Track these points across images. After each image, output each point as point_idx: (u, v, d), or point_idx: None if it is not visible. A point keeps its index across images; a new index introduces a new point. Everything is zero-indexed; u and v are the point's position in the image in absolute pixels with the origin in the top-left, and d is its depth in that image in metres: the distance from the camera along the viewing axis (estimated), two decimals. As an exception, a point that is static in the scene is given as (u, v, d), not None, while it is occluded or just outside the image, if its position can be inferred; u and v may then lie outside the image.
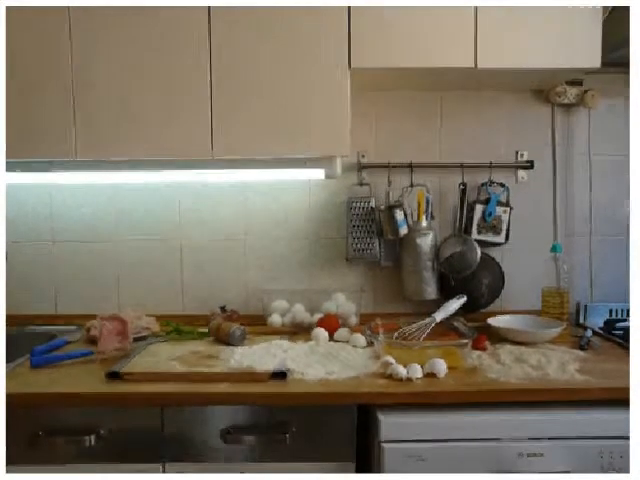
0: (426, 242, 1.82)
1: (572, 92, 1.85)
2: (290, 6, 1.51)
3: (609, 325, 1.78)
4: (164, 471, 1.32)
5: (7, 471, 1.15)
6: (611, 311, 1.90)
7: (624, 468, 1.25)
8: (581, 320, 1.90)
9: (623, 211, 1.93)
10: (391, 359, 1.38)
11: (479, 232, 1.89)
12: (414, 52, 1.54)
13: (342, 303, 1.83)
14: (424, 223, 1.84)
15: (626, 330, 1.66)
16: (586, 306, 1.91)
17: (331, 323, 1.72)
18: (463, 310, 1.73)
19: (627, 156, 1.90)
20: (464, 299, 1.73)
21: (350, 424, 1.32)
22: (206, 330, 1.70)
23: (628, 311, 1.88)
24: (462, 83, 1.81)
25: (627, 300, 1.87)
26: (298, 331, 1.77)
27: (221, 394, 1.29)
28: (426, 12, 1.53)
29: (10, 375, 1.39)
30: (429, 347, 1.45)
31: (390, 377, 1.34)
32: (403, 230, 1.79)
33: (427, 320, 1.62)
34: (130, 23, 1.52)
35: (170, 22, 1.52)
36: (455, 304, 1.70)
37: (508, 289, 1.92)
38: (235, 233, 1.95)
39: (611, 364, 1.44)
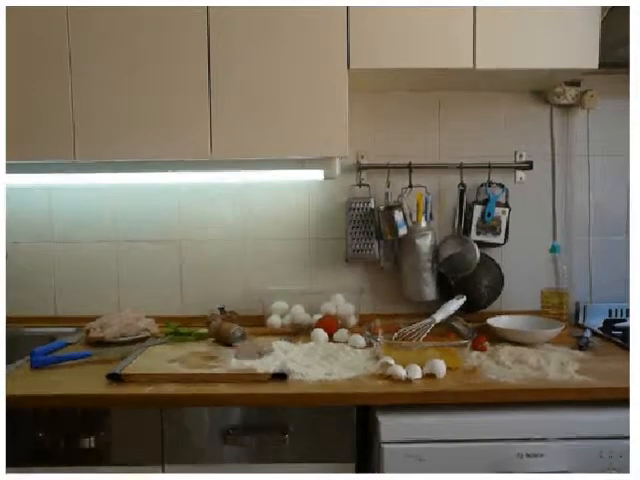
0: (425, 243, 1.83)
1: (571, 92, 1.86)
2: (289, 6, 1.52)
3: (608, 325, 1.78)
4: (164, 472, 1.32)
5: (7, 472, 1.15)
6: (610, 311, 1.90)
7: (624, 468, 1.25)
8: (580, 320, 1.90)
9: (622, 211, 1.93)
10: (390, 360, 1.38)
11: (478, 233, 1.89)
12: (413, 53, 1.54)
13: (341, 304, 1.83)
14: (423, 224, 1.84)
15: (625, 330, 1.66)
16: (585, 306, 1.91)
17: (330, 324, 1.72)
18: (462, 311, 1.73)
19: (626, 156, 1.90)
20: (463, 299, 1.73)
21: (350, 425, 1.31)
22: (205, 331, 1.70)
23: (627, 311, 1.89)
24: (461, 84, 1.81)
25: (626, 300, 1.88)
26: (297, 332, 1.77)
27: (221, 395, 1.28)
28: (424, 13, 1.53)
29: (10, 376, 1.39)
30: (428, 348, 1.45)
31: (389, 378, 1.34)
32: (402, 231, 1.80)
33: (426, 321, 1.63)
34: (128, 24, 1.53)
35: (168, 22, 1.52)
36: (454, 305, 1.70)
37: (507, 289, 1.92)
38: (234, 234, 1.95)
39: (610, 364, 1.44)
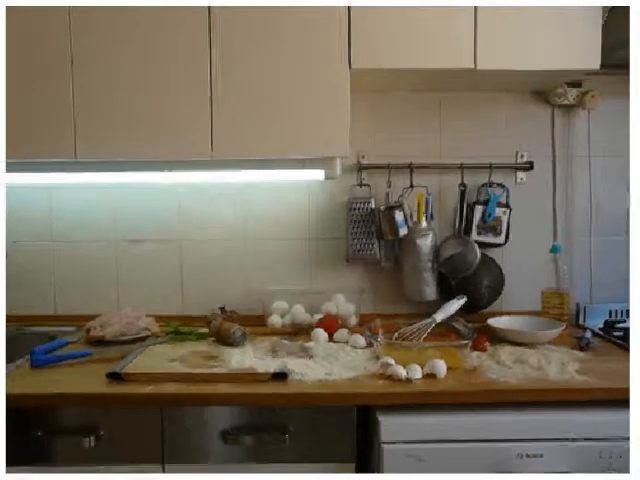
0: (426, 243, 1.82)
1: (572, 93, 1.86)
2: (290, 6, 1.52)
3: (609, 326, 1.78)
4: (164, 472, 1.32)
5: (7, 472, 1.15)
6: (611, 312, 1.90)
7: (624, 468, 1.25)
8: (581, 321, 1.90)
9: (622, 211, 1.93)
10: (391, 360, 1.38)
11: (479, 233, 1.89)
12: (414, 53, 1.54)
13: (342, 304, 1.83)
14: (424, 224, 1.84)
15: (626, 331, 1.66)
16: (585, 307, 1.91)
17: (331, 324, 1.72)
18: (463, 311, 1.73)
19: (626, 157, 1.90)
20: (464, 300, 1.73)
21: (350, 425, 1.31)
22: (206, 330, 1.70)
23: (628, 312, 1.88)
24: (462, 84, 1.81)
25: (627, 301, 1.88)
26: (298, 332, 1.77)
27: (221, 395, 1.28)
28: (426, 13, 1.53)
29: (10, 375, 1.39)
30: (429, 348, 1.45)
31: (390, 378, 1.34)
32: (403, 231, 1.80)
33: (427, 321, 1.63)
34: (129, 24, 1.53)
35: (170, 22, 1.52)
36: (455, 305, 1.70)
37: (508, 290, 1.92)
38: (235, 234, 1.95)
39: (611, 365, 1.44)
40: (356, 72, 1.55)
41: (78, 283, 1.96)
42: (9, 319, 1.80)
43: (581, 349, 1.56)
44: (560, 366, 1.41)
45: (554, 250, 1.83)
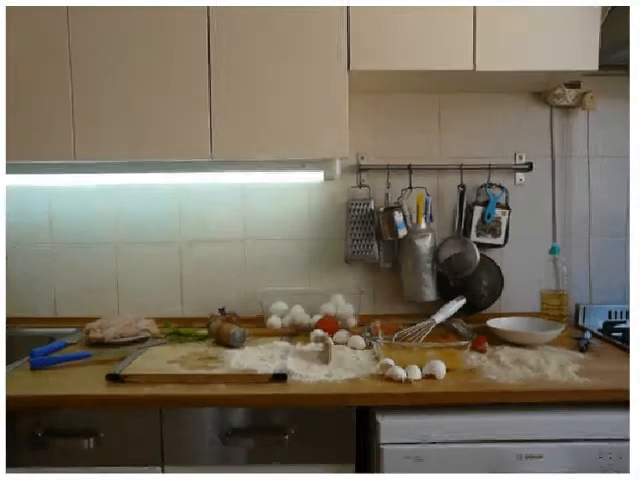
0: (425, 244, 1.83)
1: (571, 94, 1.86)
2: (289, 7, 1.52)
3: (608, 327, 1.78)
4: (164, 473, 1.32)
5: (7, 472, 1.15)
6: (610, 312, 1.90)
7: (623, 470, 1.25)
8: (580, 322, 1.90)
9: (621, 212, 1.93)
10: (390, 361, 1.38)
11: (478, 234, 1.89)
12: (413, 54, 1.54)
13: (341, 305, 1.83)
14: (423, 225, 1.84)
15: (625, 331, 1.66)
16: (585, 308, 1.91)
17: (330, 325, 1.72)
18: (462, 312, 1.73)
19: (625, 157, 1.90)
20: (463, 301, 1.73)
21: (349, 426, 1.31)
22: (205, 332, 1.70)
23: (627, 312, 1.89)
24: (461, 85, 1.81)
25: (626, 301, 1.88)
26: (297, 333, 1.77)
27: (221, 396, 1.28)
28: (425, 14, 1.53)
29: (9, 377, 1.39)
30: (428, 349, 1.45)
31: (389, 379, 1.34)
32: (402, 232, 1.80)
33: (426, 322, 1.62)
34: (129, 24, 1.53)
35: (169, 23, 1.52)
36: (454, 306, 1.70)
37: (507, 291, 1.92)
38: (234, 235, 1.95)
39: (610, 366, 1.44)
40: (355, 73, 1.55)
41: (78, 285, 1.96)
42: (9, 321, 1.80)
43: (580, 350, 1.56)
44: (559, 367, 1.41)
45: (553, 251, 1.82)
